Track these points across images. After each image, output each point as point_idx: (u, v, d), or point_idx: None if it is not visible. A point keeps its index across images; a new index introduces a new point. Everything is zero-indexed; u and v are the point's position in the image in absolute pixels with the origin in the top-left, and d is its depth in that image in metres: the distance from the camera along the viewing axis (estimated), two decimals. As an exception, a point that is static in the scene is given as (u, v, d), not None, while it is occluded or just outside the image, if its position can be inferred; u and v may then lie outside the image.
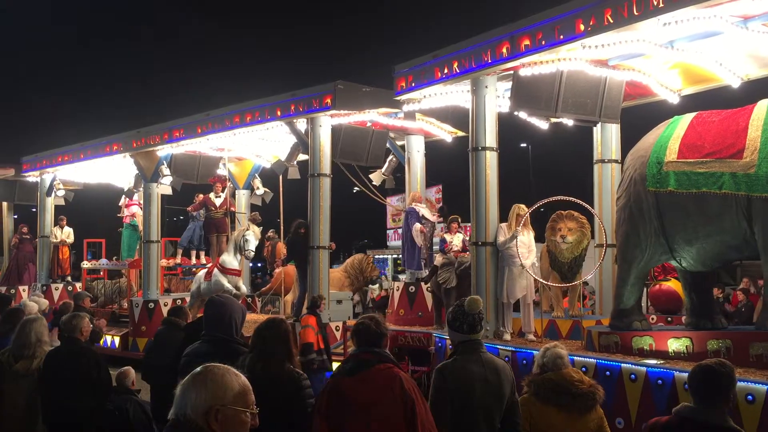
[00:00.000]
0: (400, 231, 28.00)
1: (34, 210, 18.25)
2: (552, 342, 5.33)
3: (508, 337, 7.80)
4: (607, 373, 6.13)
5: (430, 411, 3.28)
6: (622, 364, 6.07)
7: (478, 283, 7.99)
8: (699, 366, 3.06)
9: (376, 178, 12.07)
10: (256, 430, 2.13)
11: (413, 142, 11.67)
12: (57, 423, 4.66)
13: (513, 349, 7.19)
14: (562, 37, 6.83)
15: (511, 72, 7.81)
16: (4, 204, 17.36)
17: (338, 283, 11.86)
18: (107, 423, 4.86)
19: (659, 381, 5.73)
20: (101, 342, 12.66)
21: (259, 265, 19.82)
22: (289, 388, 3.46)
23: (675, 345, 6.30)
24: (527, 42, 7.16)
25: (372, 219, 29.53)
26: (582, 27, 6.64)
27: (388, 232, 28.91)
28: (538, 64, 7.47)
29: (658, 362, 5.98)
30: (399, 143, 12.07)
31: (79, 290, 14.82)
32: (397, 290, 10.91)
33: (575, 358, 6.47)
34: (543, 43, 7.01)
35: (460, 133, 11.36)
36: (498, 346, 7.32)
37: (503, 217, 8.22)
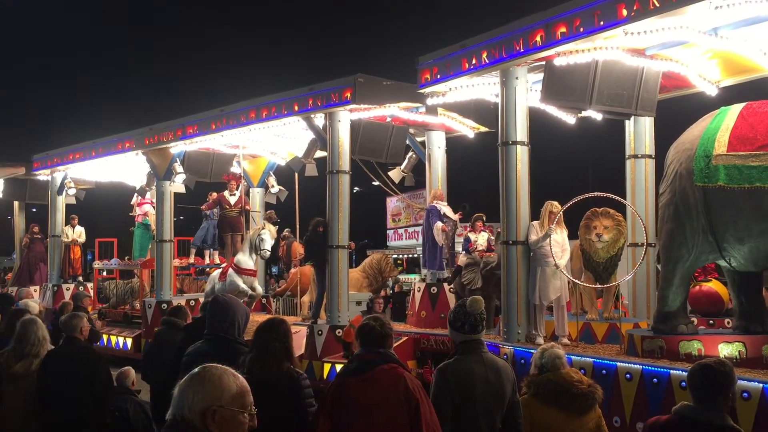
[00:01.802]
0: (399, 231, 27.86)
1: (35, 210, 18.03)
2: (550, 342, 5.11)
3: (540, 340, 7.42)
4: (654, 380, 5.75)
5: (434, 411, 3.25)
6: (671, 371, 5.67)
7: (508, 283, 7.62)
8: (698, 365, 3.06)
9: (395, 175, 11.72)
10: (256, 431, 2.12)
11: (434, 137, 11.31)
12: (56, 424, 4.57)
13: (547, 353, 6.79)
14: (602, 23, 6.45)
15: (543, 62, 7.45)
16: (15, 203, 17.15)
17: (356, 284, 11.50)
18: (107, 423, 4.83)
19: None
20: (113, 343, 12.48)
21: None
22: (289, 388, 3.44)
23: (727, 350, 5.92)
24: (563, 29, 6.78)
25: (372, 219, 29.30)
26: (624, 12, 6.25)
27: (388, 232, 28.55)
28: (574, 53, 7.09)
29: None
30: (419, 139, 11.71)
31: (89, 290, 14.64)
32: (418, 291, 10.55)
33: (618, 363, 6.11)
34: (581, 30, 6.62)
35: (483, 129, 11.00)
36: (531, 350, 6.93)
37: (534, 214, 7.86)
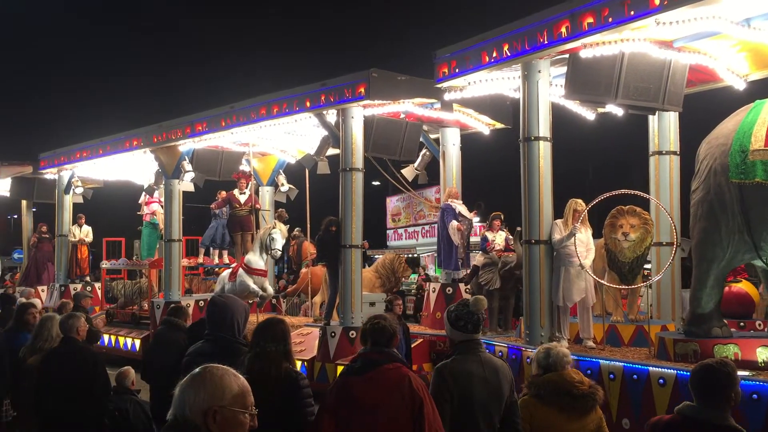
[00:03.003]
0: (399, 231, 27.55)
1: (35, 210, 17.86)
2: (551, 342, 4.94)
3: (565, 343, 7.13)
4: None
5: (437, 411, 3.26)
6: (708, 377, 5.39)
7: (531, 284, 7.36)
8: (700, 365, 3.08)
9: (408, 173, 11.49)
10: (255, 431, 2.12)
11: (448, 134, 11.06)
12: (54, 424, 4.56)
13: (574, 357, 6.53)
14: (632, 13, 6.17)
15: (566, 55, 7.18)
16: (23, 202, 16.98)
17: (369, 284, 11.27)
18: (107, 423, 4.85)
19: (754, 395, 5.06)
20: (121, 344, 12.27)
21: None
22: (288, 389, 3.42)
23: (765, 354, 5.65)
24: (590, 20, 6.51)
25: (371, 218, 29.17)
26: (657, 1, 5.97)
27: (387, 231, 28.33)
28: (600, 45, 6.82)
29: (751, 374, 5.30)
30: (433, 136, 11.47)
31: (97, 290, 14.45)
32: (433, 292, 10.30)
33: (650, 368, 5.84)
34: (609, 20, 6.35)
35: (499, 126, 10.75)
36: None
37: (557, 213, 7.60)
